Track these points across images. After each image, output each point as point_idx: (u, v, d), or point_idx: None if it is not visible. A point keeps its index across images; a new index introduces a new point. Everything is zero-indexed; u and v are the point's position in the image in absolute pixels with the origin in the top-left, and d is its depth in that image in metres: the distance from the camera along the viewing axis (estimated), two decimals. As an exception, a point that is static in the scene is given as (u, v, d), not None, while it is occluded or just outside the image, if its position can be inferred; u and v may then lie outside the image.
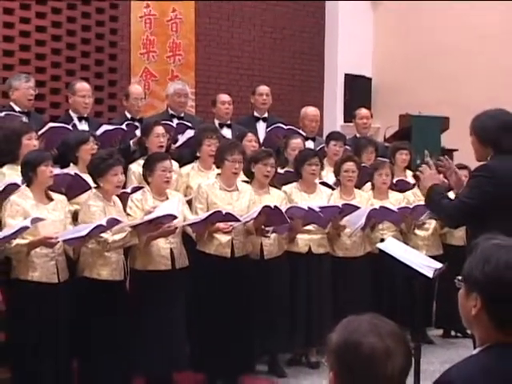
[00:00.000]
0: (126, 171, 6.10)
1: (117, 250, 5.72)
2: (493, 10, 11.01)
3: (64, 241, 5.38)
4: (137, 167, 6.52)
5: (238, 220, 6.09)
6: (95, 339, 5.65)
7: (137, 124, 7.51)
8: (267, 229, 6.36)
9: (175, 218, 5.75)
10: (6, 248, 5.30)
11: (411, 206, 7.22)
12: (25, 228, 5.18)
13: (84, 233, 5.34)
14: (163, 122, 7.14)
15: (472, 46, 11.16)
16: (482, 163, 4.61)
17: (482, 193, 4.43)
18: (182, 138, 7.30)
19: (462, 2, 11.27)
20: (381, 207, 6.94)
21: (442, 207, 4.75)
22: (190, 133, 7.31)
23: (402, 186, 7.78)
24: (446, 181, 5.17)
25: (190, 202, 6.43)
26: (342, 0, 12.21)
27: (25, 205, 5.39)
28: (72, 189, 6.01)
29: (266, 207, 6.12)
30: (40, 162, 5.45)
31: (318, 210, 6.49)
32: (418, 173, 5.07)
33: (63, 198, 5.74)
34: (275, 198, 6.59)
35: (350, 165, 7.08)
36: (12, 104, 6.98)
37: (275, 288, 6.59)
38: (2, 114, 6.59)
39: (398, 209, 7.13)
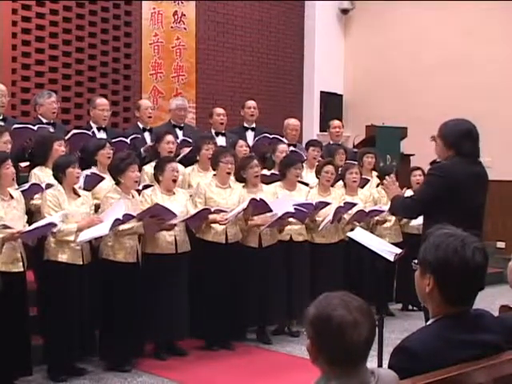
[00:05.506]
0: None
1: (126, 236, 5.67)
2: (445, 44, 11.09)
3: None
4: (149, 168, 6.48)
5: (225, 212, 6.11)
6: (113, 311, 5.63)
7: (138, 136, 7.32)
8: (262, 225, 6.39)
9: (175, 215, 5.73)
10: (57, 232, 5.27)
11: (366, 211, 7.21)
12: (52, 225, 5.15)
13: (106, 231, 5.34)
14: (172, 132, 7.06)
15: (423, 72, 11.33)
16: (438, 163, 4.54)
17: (434, 190, 4.38)
18: (183, 153, 7.15)
19: (415, 38, 11.38)
20: (345, 203, 6.95)
21: (403, 206, 4.72)
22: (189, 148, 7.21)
23: (363, 183, 7.81)
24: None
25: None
26: (318, 32, 12.30)
27: (59, 198, 5.40)
28: (90, 184, 5.99)
29: (253, 199, 6.17)
30: (68, 164, 5.47)
31: (305, 210, 6.54)
32: (382, 187, 4.95)
33: (88, 193, 5.74)
34: (268, 193, 6.60)
35: (329, 167, 7.08)
36: (40, 117, 6.94)
37: (272, 271, 6.56)
38: (35, 127, 6.52)
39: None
